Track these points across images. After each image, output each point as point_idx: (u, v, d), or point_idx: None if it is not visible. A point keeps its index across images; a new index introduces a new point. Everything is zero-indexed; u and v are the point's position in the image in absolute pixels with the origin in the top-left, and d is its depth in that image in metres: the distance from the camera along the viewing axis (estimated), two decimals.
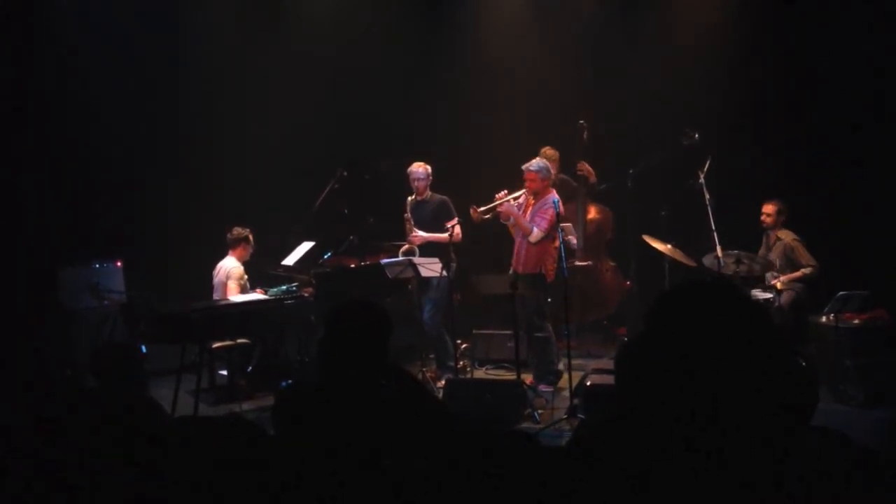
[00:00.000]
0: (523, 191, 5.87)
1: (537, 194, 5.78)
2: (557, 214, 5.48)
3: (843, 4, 6.56)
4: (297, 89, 7.60)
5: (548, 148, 6.72)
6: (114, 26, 6.93)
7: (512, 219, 5.81)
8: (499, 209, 5.76)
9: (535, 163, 5.81)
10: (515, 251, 5.92)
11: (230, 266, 6.05)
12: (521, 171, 6.67)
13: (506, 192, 5.90)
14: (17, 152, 6.56)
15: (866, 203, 6.43)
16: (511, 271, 5.82)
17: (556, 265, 5.73)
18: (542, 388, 5.79)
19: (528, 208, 5.86)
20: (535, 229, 5.69)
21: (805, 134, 6.79)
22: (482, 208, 5.75)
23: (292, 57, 7.61)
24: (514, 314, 5.58)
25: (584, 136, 6.87)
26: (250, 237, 6.18)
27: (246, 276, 6.09)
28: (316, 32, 7.72)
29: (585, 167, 6.94)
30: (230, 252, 6.14)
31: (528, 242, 5.76)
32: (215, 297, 6.05)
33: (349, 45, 7.69)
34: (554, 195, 5.76)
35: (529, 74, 7.70)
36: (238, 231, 6.15)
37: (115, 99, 6.97)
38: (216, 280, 6.11)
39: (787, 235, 6.17)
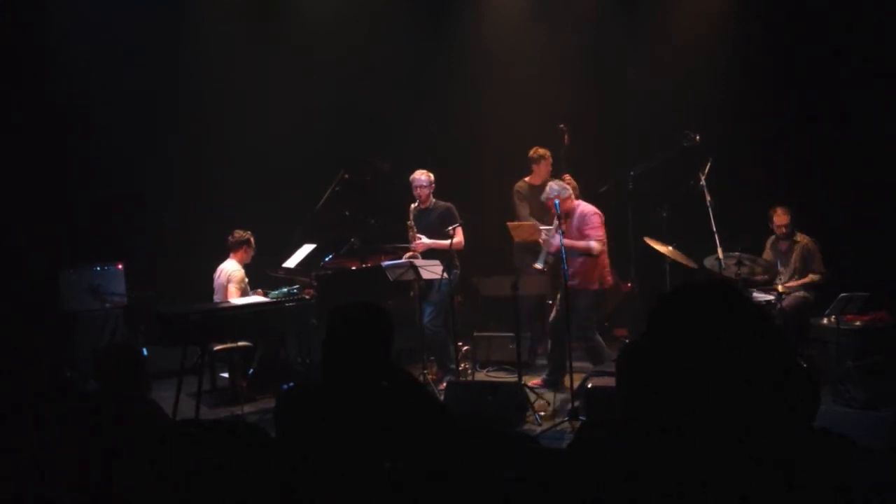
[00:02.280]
0: (555, 220, 5.61)
1: (568, 214, 5.68)
2: (558, 216, 5.47)
3: (844, 4, 6.56)
4: (297, 90, 7.60)
5: (538, 147, 6.67)
6: (114, 26, 6.94)
7: (564, 250, 5.42)
8: (551, 251, 5.63)
9: (555, 189, 5.62)
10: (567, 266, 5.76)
11: (231, 269, 6.05)
12: (522, 171, 6.71)
13: (544, 230, 5.79)
14: (18, 154, 6.56)
15: (867, 204, 6.43)
16: (563, 286, 5.48)
17: (609, 269, 5.79)
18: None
19: (567, 230, 5.68)
20: (592, 242, 5.58)
21: (805, 135, 6.79)
22: (538, 265, 5.64)
23: (292, 57, 7.62)
24: (515, 316, 5.56)
25: (566, 139, 6.82)
26: (251, 240, 6.18)
27: (247, 279, 6.10)
28: (316, 32, 7.72)
29: (570, 180, 6.88)
30: (231, 255, 6.14)
31: (586, 257, 5.64)
32: (216, 299, 6.05)
33: (349, 45, 7.69)
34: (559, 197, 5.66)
35: (530, 75, 7.71)
36: (239, 234, 6.15)
37: (115, 100, 6.97)
38: (217, 282, 6.11)
39: (803, 238, 6.20)
